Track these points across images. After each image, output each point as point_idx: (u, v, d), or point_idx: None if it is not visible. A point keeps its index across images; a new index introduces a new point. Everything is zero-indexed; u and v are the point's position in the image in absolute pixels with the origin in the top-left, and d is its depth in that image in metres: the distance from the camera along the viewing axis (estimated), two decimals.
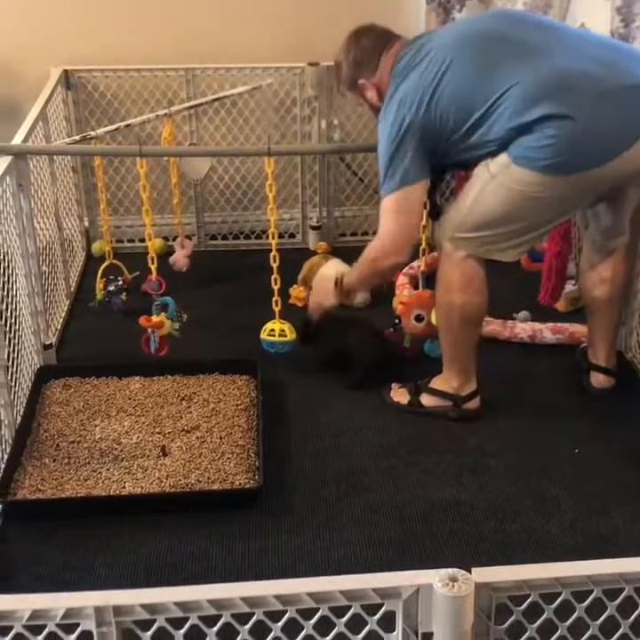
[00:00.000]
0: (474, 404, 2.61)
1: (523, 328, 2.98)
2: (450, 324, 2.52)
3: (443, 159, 2.41)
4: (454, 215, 2.45)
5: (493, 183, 2.32)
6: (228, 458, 2.40)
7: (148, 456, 2.41)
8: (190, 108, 3.38)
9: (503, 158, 2.29)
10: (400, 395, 2.68)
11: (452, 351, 2.56)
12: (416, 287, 3.08)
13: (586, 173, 2.24)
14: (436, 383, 2.63)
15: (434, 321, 2.71)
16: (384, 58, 2.46)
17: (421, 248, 2.85)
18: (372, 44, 2.50)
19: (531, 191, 2.28)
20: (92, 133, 2.98)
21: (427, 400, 2.64)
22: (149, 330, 2.73)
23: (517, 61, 2.25)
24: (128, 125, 3.13)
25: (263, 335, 2.80)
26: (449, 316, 2.50)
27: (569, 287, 3.14)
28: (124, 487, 2.30)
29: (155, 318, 2.72)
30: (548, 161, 2.22)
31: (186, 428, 2.52)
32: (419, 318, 2.81)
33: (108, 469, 2.36)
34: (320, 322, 2.77)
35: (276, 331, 2.79)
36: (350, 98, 2.64)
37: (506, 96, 2.22)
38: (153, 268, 2.77)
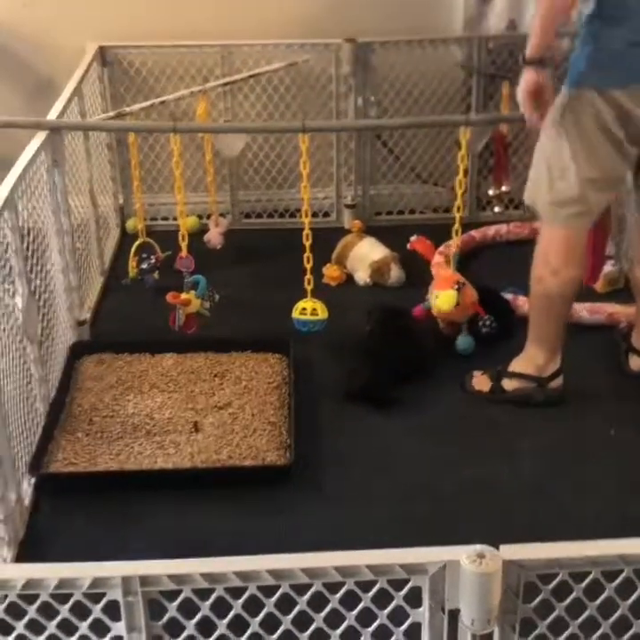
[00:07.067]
0: (557, 382, 2.53)
1: None
2: (546, 298, 2.41)
3: None
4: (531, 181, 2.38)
5: (549, 132, 2.26)
6: (260, 434, 2.40)
7: (181, 432, 2.41)
8: (225, 84, 3.36)
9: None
10: (482, 382, 2.60)
11: (544, 326, 2.47)
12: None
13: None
14: (517, 366, 2.55)
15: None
16: None
17: (454, 228, 2.79)
18: None
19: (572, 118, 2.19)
20: (127, 109, 2.99)
21: (508, 384, 2.55)
22: (177, 306, 2.72)
23: None
24: (163, 102, 3.13)
25: (295, 314, 2.77)
26: (547, 289, 2.39)
27: (608, 267, 3.09)
28: (156, 462, 2.31)
29: (183, 295, 2.71)
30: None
31: (218, 404, 2.53)
32: None
33: (141, 444, 2.37)
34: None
35: (308, 309, 2.77)
36: None
37: None
38: (183, 245, 2.77)
